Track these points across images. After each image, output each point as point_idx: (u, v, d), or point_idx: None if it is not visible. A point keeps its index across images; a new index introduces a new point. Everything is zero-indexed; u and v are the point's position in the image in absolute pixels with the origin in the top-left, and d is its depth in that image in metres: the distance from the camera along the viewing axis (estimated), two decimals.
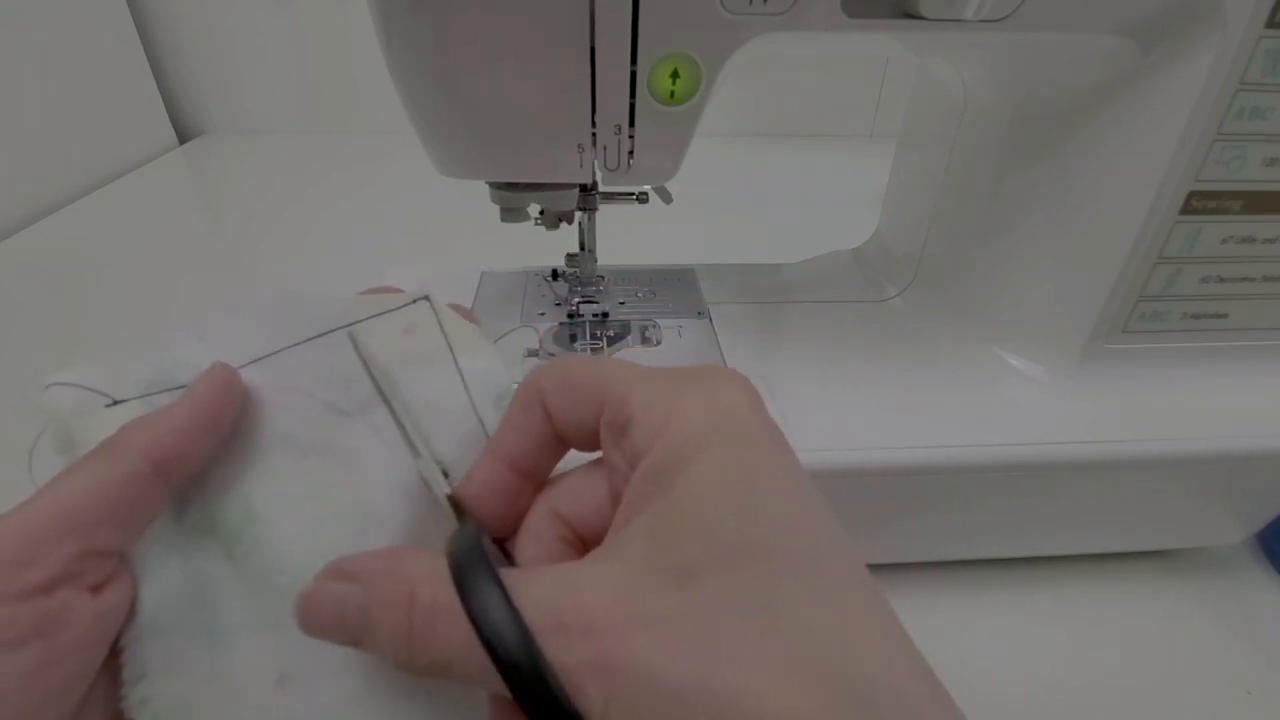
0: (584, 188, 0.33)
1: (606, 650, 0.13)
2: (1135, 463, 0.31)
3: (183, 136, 0.94)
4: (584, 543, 0.19)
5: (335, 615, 0.16)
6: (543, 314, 0.39)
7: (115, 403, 0.19)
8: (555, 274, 0.42)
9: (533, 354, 0.36)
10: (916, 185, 0.41)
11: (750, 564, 0.14)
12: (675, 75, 0.26)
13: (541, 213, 0.34)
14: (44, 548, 0.15)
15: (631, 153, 0.29)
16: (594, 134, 0.28)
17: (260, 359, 0.20)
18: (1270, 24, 0.25)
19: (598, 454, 0.19)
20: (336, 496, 0.19)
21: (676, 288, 0.42)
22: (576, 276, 0.39)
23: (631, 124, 0.28)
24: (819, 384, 0.34)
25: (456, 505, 0.19)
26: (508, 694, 0.14)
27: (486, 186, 0.32)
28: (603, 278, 0.41)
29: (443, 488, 0.19)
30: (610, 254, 0.40)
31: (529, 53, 0.25)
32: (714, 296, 0.41)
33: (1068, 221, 0.32)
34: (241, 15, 0.89)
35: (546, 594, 0.14)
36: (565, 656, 0.13)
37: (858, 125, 1.00)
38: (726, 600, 0.13)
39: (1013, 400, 0.34)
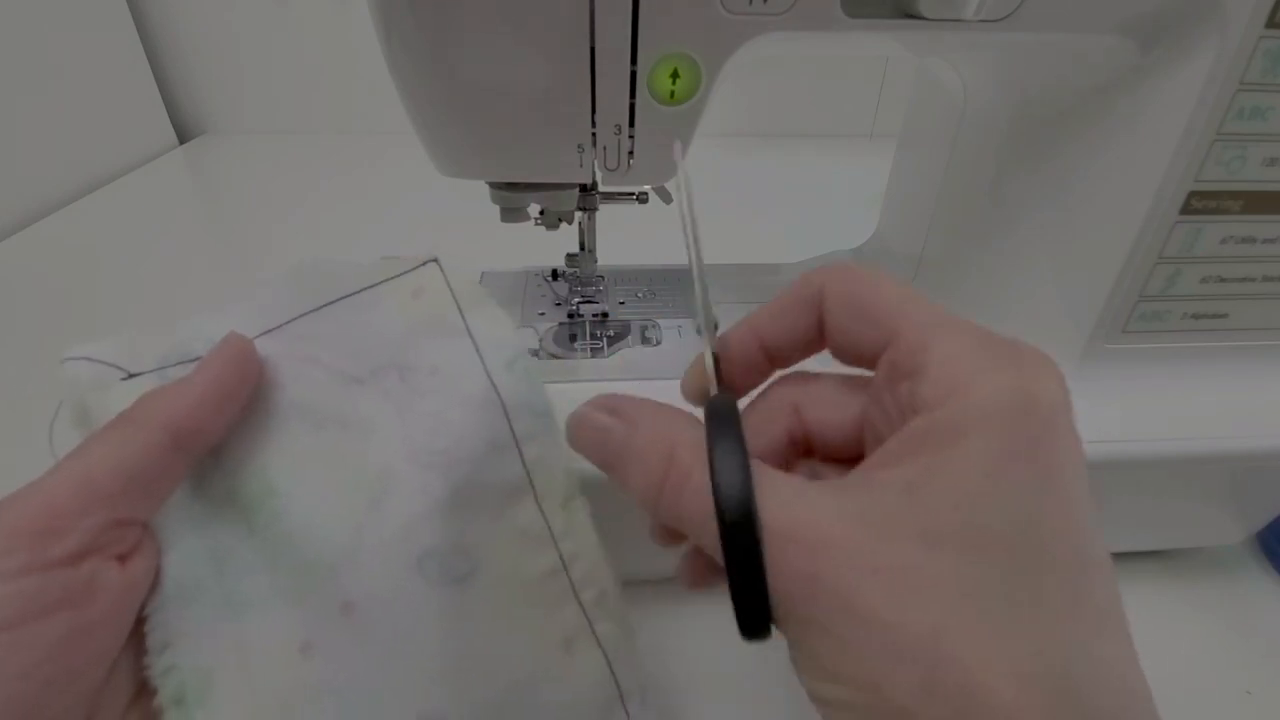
0: (584, 188, 0.33)
1: (822, 569, 0.14)
2: (1135, 463, 0.31)
3: (183, 136, 0.94)
4: (810, 447, 0.19)
5: (597, 442, 0.18)
6: (543, 314, 0.39)
7: (131, 376, 0.19)
8: (555, 274, 0.42)
9: (533, 353, 0.36)
10: (916, 185, 0.41)
11: (1009, 556, 0.13)
12: (675, 75, 0.26)
13: (541, 213, 0.34)
14: (70, 520, 0.15)
15: (631, 153, 0.29)
16: (594, 134, 0.28)
17: (273, 329, 0.20)
18: (1270, 24, 0.25)
19: (858, 372, 0.18)
20: (351, 466, 0.19)
21: (676, 288, 0.42)
22: (576, 276, 0.39)
23: (631, 124, 0.28)
24: None
25: (718, 363, 0.19)
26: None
27: (486, 186, 0.32)
28: (603, 278, 0.41)
29: (711, 344, 0.20)
30: (610, 254, 0.40)
31: (529, 53, 0.25)
32: (714, 296, 0.41)
33: (1068, 221, 0.32)
34: (241, 15, 0.89)
35: (789, 502, 0.15)
36: (785, 562, 0.14)
37: (858, 125, 1.00)
38: (974, 578, 0.13)
39: None
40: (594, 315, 0.38)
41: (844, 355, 0.18)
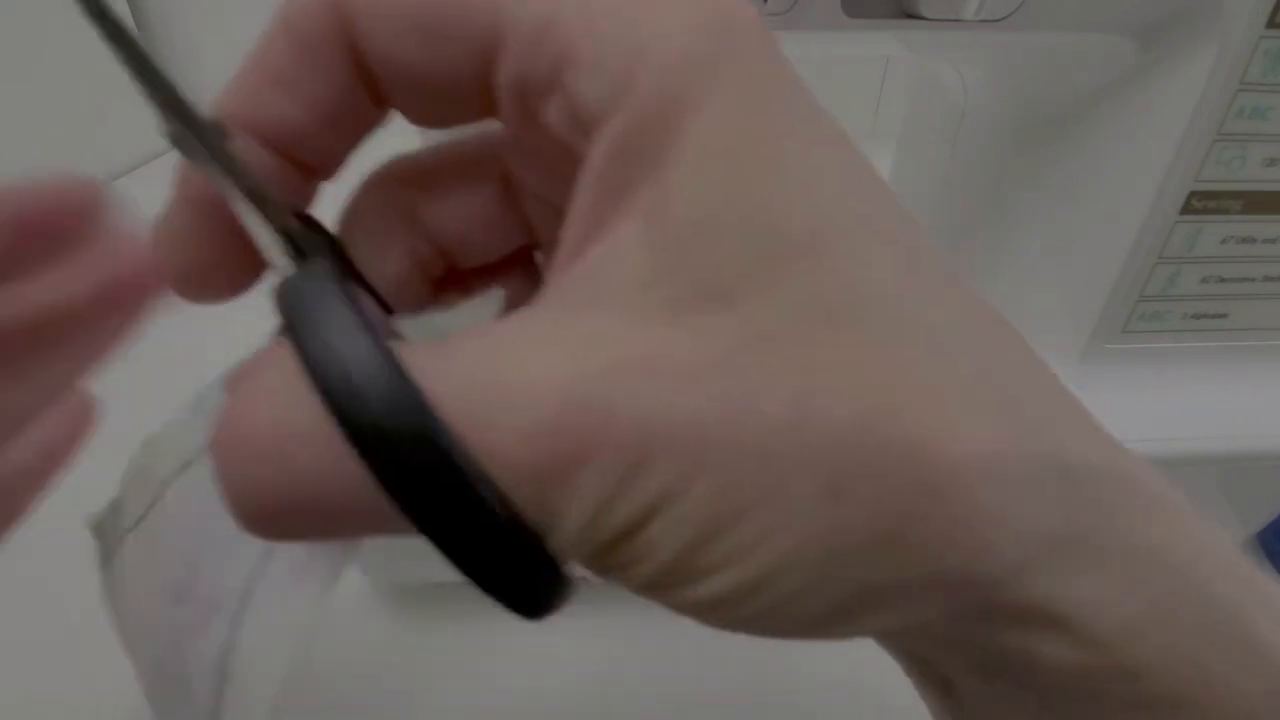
0: None
1: (628, 404, 0.08)
2: None
3: None
4: (451, 269, 0.13)
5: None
6: None
7: None
8: None
9: None
10: (916, 185, 0.41)
11: (823, 266, 0.09)
12: None
13: None
14: None
15: None
16: None
17: None
18: (1270, 24, 0.25)
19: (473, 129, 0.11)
20: None
21: None
22: None
23: None
24: None
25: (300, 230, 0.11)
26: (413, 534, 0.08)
27: None
28: None
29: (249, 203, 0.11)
30: None
31: None
32: None
33: (1068, 221, 0.32)
34: (241, 16, 0.89)
35: (476, 377, 0.09)
36: (526, 457, 0.08)
37: (858, 125, 0.99)
38: (813, 316, 0.09)
39: None
40: None
41: (421, 109, 0.12)
